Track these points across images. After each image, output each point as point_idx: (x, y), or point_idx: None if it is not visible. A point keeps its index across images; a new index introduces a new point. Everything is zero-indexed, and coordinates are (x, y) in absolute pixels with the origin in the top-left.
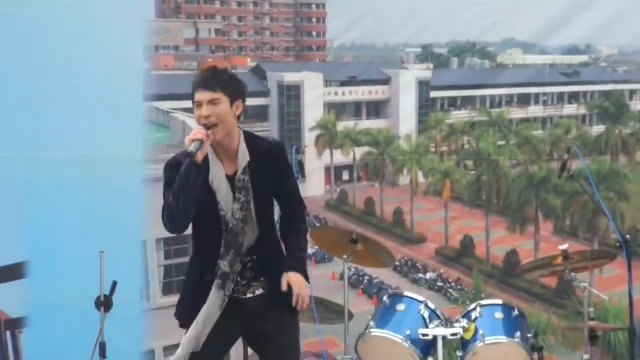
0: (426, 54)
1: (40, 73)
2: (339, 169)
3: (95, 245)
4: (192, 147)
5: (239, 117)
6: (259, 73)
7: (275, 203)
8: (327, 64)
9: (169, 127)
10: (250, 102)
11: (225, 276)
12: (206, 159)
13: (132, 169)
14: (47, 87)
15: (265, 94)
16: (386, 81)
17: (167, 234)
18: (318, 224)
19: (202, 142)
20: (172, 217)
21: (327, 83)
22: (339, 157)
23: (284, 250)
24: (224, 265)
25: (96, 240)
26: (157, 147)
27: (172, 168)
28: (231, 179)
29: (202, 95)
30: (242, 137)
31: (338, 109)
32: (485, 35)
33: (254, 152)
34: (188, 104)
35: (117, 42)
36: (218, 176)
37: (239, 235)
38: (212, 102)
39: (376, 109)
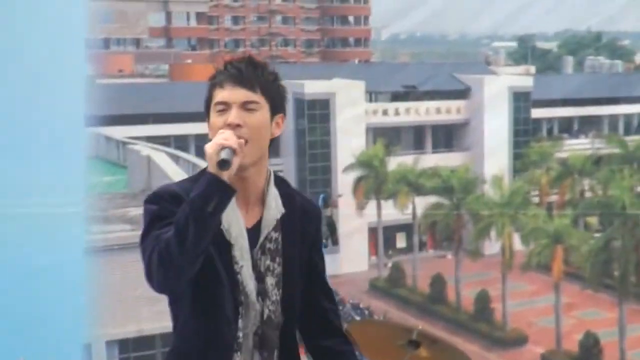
0: (524, 50)
1: None
2: (390, 231)
3: (14, 350)
4: (223, 154)
5: (270, 143)
6: None
7: None
8: (372, 67)
9: (126, 166)
10: None
11: None
12: None
13: (67, 233)
14: None
15: None
16: (463, 93)
17: (122, 333)
18: (358, 317)
19: (234, 152)
20: (170, 261)
21: (372, 96)
22: (391, 212)
23: None
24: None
25: (16, 342)
26: (106, 197)
27: (164, 200)
28: (248, 233)
29: (232, 94)
30: (272, 177)
31: (389, 137)
32: (614, 22)
33: (287, 202)
34: (156, 129)
35: (40, 32)
36: (237, 221)
37: (279, 328)
38: (247, 106)
39: (448, 135)
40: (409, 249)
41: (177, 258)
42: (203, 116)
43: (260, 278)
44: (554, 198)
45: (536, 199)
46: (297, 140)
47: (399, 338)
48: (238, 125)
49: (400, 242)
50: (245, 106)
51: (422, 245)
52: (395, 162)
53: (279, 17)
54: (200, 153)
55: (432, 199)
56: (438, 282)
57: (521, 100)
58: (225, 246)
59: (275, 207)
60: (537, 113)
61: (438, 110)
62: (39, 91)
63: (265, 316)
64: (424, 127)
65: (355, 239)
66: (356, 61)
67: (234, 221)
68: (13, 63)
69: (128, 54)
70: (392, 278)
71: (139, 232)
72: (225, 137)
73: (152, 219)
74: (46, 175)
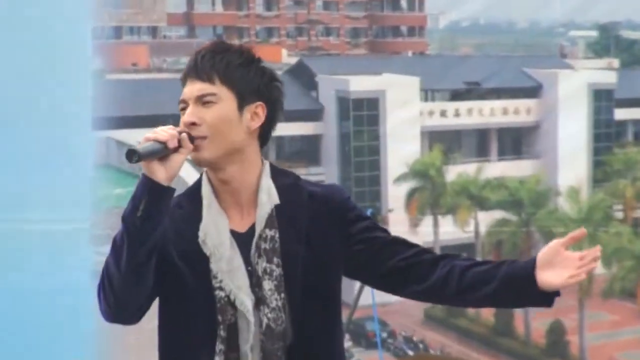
0: (607, 41)
1: None
2: (449, 251)
3: None
4: (140, 147)
5: (263, 140)
6: (302, 76)
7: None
8: (428, 60)
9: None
10: (288, 128)
11: None
12: (194, 202)
13: (72, 253)
14: None
15: (314, 113)
16: (534, 90)
17: None
18: (411, 352)
19: (164, 147)
20: (111, 294)
21: (428, 94)
22: (450, 230)
23: (490, 270)
24: None
25: None
26: (117, 212)
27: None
28: (241, 238)
29: (188, 89)
30: (266, 170)
31: (447, 142)
32: None
33: (288, 194)
34: None
35: (39, 19)
36: (216, 230)
37: (285, 337)
38: (201, 100)
39: (516, 140)
40: None
41: (116, 279)
42: None
43: (258, 284)
44: None
45: (620, 215)
46: (340, 146)
47: None
48: (193, 124)
49: None
50: (200, 101)
51: None
52: (454, 172)
53: (319, 2)
54: None
55: (498, 215)
56: (504, 311)
57: (603, 99)
58: (201, 260)
59: (267, 202)
60: (621, 114)
61: (505, 111)
62: (38, 90)
63: (264, 325)
64: (489, 131)
65: None
66: (410, 53)
67: (212, 230)
68: (6, 57)
69: (143, 45)
70: (451, 307)
71: None
72: (155, 131)
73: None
74: (48, 187)
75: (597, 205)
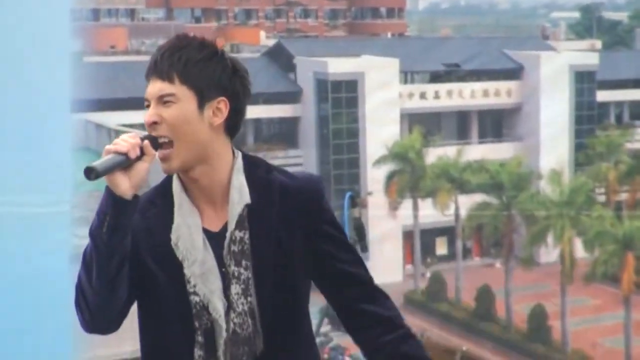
0: (589, 22)
1: None
2: (429, 235)
3: None
4: (97, 163)
5: (231, 133)
6: (280, 58)
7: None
8: (407, 41)
9: None
10: (266, 110)
11: None
12: (166, 200)
13: (50, 237)
14: None
15: (292, 96)
16: (515, 72)
17: (116, 354)
18: None
19: (126, 158)
20: (85, 306)
21: (408, 76)
22: (430, 213)
23: None
24: None
25: None
26: (95, 195)
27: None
28: (215, 238)
29: (150, 88)
30: (239, 164)
31: (427, 124)
32: None
33: (260, 191)
34: None
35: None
36: (188, 232)
37: (251, 343)
38: (162, 100)
39: (496, 123)
40: (450, 256)
41: (90, 294)
42: None
43: (229, 288)
44: (623, 196)
45: (602, 198)
46: (319, 129)
47: None
48: (155, 123)
49: (441, 248)
50: (161, 100)
51: (466, 252)
52: (434, 154)
53: None
54: None
55: (478, 198)
56: (485, 295)
57: (585, 81)
58: (174, 264)
59: (238, 202)
60: (603, 96)
61: (485, 93)
62: (16, 72)
63: (230, 331)
64: (469, 113)
65: (388, 244)
66: (389, 35)
67: (184, 232)
68: None
69: (121, 27)
70: (431, 290)
71: None
72: (115, 142)
73: None
74: (25, 170)
75: (579, 188)
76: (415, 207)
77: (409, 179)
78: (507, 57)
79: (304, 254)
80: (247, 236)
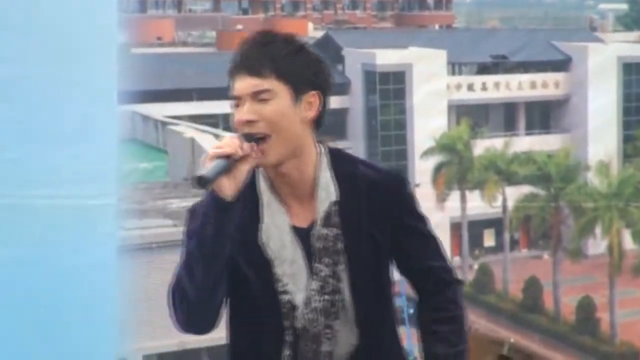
0: (636, 13)
1: None
2: (476, 227)
3: None
4: (206, 171)
5: (317, 125)
6: (328, 49)
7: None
8: (455, 33)
9: (167, 151)
10: None
11: None
12: (253, 198)
13: (97, 229)
14: None
15: (340, 87)
16: (563, 63)
17: (162, 346)
18: None
19: (230, 161)
20: (186, 306)
21: (455, 68)
22: (477, 205)
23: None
24: None
25: (39, 356)
26: (143, 187)
27: (196, 217)
28: (304, 234)
29: (240, 85)
30: (325, 159)
31: (474, 116)
32: None
33: (347, 186)
34: (201, 107)
35: None
36: (278, 231)
37: (318, 341)
38: (257, 97)
39: (544, 115)
40: (498, 248)
41: (191, 295)
42: None
43: (309, 283)
44: None
45: None
46: (367, 120)
47: (487, 353)
48: (251, 121)
49: (489, 240)
50: (256, 97)
51: (513, 244)
52: (482, 146)
53: None
54: None
55: (526, 189)
56: (533, 287)
57: (633, 73)
58: (263, 263)
59: (326, 199)
60: None
61: (533, 85)
62: (63, 64)
63: (300, 326)
64: (517, 105)
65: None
66: (436, 27)
67: (273, 232)
68: (30, 31)
69: (168, 19)
70: (478, 282)
71: (181, 228)
72: (219, 146)
73: (184, 241)
74: (72, 162)
75: (627, 180)
76: (463, 199)
77: (457, 170)
78: (554, 49)
79: (390, 247)
80: (332, 233)
